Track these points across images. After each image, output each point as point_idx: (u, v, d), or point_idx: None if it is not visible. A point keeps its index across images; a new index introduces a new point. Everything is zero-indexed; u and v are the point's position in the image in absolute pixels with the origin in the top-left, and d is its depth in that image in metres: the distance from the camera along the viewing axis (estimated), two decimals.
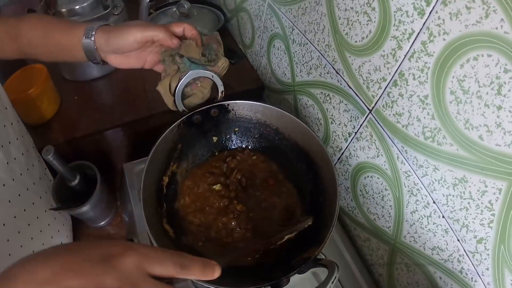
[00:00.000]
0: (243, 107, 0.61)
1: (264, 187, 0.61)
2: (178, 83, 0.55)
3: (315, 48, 0.59)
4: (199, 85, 0.57)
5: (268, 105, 0.60)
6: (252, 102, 0.61)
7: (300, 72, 0.66)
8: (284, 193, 0.61)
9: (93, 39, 0.51)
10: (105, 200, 0.74)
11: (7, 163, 0.51)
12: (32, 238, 0.57)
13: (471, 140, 0.38)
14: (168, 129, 0.58)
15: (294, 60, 0.66)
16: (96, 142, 0.76)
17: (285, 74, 0.72)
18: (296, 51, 0.65)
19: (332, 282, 0.41)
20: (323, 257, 0.49)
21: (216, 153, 0.66)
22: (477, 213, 0.40)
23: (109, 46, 0.51)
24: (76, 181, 0.68)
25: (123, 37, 0.50)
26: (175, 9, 0.92)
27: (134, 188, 0.68)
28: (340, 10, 0.51)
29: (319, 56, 0.58)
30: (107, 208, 0.76)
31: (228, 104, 0.61)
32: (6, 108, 0.54)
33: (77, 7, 0.77)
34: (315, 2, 0.55)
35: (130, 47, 0.51)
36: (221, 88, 0.58)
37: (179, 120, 0.58)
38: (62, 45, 0.53)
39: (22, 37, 0.52)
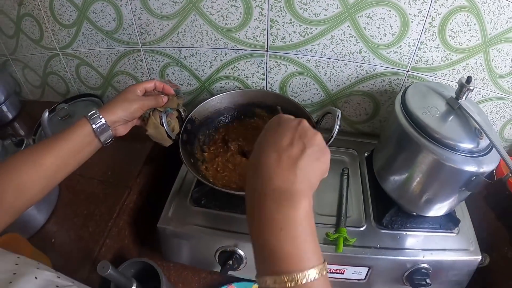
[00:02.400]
0: (200, 111, 0.95)
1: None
2: (161, 116, 0.84)
3: (207, 47, 0.99)
4: (173, 114, 0.88)
5: (212, 98, 0.97)
6: (201, 104, 0.95)
7: (203, 71, 1.04)
8: None
9: (104, 120, 0.72)
10: (168, 282, 0.88)
11: None
12: None
13: (322, 19, 0.88)
14: (182, 155, 0.85)
15: (194, 68, 1.04)
16: (110, 245, 0.92)
17: (190, 84, 1.09)
18: (191, 62, 1.02)
19: (338, 117, 0.84)
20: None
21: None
22: (350, 42, 0.92)
23: (121, 118, 0.75)
24: (134, 285, 0.81)
25: (131, 109, 0.76)
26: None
27: (188, 223, 0.90)
28: (213, 14, 0.93)
29: (213, 50, 0.99)
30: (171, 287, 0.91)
31: (191, 115, 0.93)
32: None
33: None
34: (190, 21, 0.95)
35: (137, 114, 0.79)
36: (183, 111, 0.90)
37: (180, 145, 0.87)
38: (68, 152, 0.69)
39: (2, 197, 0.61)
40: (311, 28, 0.91)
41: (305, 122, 0.53)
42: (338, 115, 0.84)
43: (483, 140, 0.76)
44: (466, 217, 0.95)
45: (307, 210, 0.45)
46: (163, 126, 0.84)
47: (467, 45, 0.90)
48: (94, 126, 0.71)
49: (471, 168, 0.72)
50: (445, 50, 0.92)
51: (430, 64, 0.95)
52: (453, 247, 0.88)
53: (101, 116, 0.72)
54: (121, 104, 0.76)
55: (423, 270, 0.87)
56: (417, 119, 0.78)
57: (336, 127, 0.83)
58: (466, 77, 0.77)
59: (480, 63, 0.94)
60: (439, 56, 0.93)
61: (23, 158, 0.65)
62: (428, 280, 0.86)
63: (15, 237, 0.80)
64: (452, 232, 0.91)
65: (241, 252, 0.87)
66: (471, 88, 0.76)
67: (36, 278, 0.45)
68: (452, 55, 0.93)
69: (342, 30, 0.90)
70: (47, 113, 0.95)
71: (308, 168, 0.47)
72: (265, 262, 0.44)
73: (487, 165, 0.73)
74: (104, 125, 0.72)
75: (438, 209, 0.87)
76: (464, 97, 0.79)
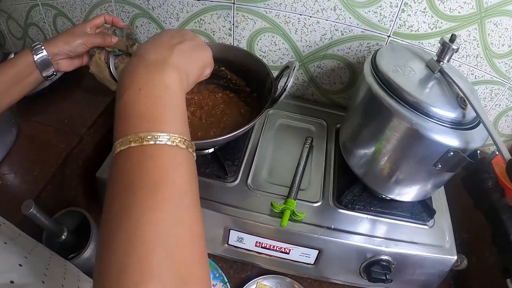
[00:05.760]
0: None
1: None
2: (108, 55, 0.72)
3: None
4: (125, 58, 0.75)
5: None
6: None
7: (170, 24, 0.92)
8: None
9: (45, 52, 0.64)
10: None
11: None
12: None
13: None
14: None
15: (161, 20, 0.91)
16: (52, 192, 0.80)
17: None
18: (159, 13, 0.90)
19: (294, 69, 0.68)
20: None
21: None
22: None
23: (63, 52, 0.66)
24: (64, 234, 0.70)
25: (74, 43, 0.67)
26: None
27: None
28: None
29: (180, 1, 0.86)
30: None
31: None
32: None
33: None
34: None
35: (80, 50, 0.68)
36: None
37: None
38: (10, 79, 0.62)
39: None
40: None
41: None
42: (294, 67, 0.68)
43: (466, 112, 0.58)
44: (444, 210, 0.76)
45: (174, 82, 0.40)
46: (108, 65, 0.72)
47: (459, 12, 0.73)
48: (35, 56, 0.65)
49: (448, 140, 0.56)
50: (433, 16, 0.74)
51: (416, 31, 0.77)
52: (424, 242, 0.70)
53: (43, 47, 0.65)
54: (65, 37, 0.68)
55: (384, 263, 0.69)
56: (387, 79, 0.61)
57: (290, 79, 0.67)
58: (449, 35, 0.60)
59: (474, 37, 0.76)
60: (425, 22, 0.75)
61: None
62: (388, 276, 0.69)
63: None
64: (425, 225, 0.73)
65: None
66: (455, 48, 0.59)
67: None
68: (441, 22, 0.75)
69: None
70: (12, 55, 0.88)
71: (186, 53, 0.44)
72: (118, 125, 0.36)
73: (469, 141, 0.56)
74: (45, 56, 0.65)
75: (409, 193, 0.70)
76: (446, 59, 0.62)
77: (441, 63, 0.62)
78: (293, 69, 0.68)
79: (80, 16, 0.98)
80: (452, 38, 0.60)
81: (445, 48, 0.60)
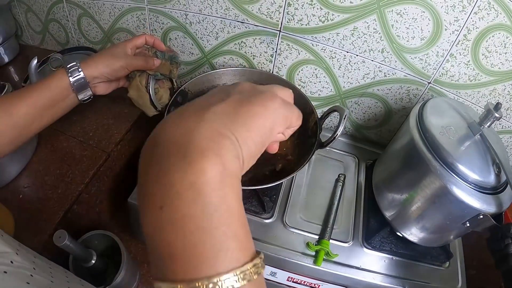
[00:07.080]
0: (195, 83, 0.80)
1: None
2: (149, 79, 0.69)
3: (215, 16, 0.82)
4: (165, 83, 0.73)
5: (211, 71, 0.81)
6: (198, 76, 0.80)
7: (207, 42, 0.88)
8: None
9: (82, 74, 0.60)
10: (131, 260, 0.76)
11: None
12: None
13: (347, 6, 0.71)
14: None
15: (198, 36, 0.88)
16: (78, 211, 0.78)
17: (192, 53, 0.93)
18: (197, 29, 0.86)
19: (344, 118, 0.69)
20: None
21: None
22: (373, 38, 0.75)
23: (103, 75, 0.63)
24: (94, 259, 0.69)
25: (115, 66, 0.63)
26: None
27: None
28: None
29: (221, 20, 0.82)
30: (134, 265, 0.78)
31: (184, 87, 0.78)
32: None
33: None
34: None
35: (120, 74, 0.65)
36: (175, 83, 0.76)
37: (165, 115, 0.72)
38: (42, 103, 0.59)
39: None
40: (333, 14, 0.74)
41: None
42: (345, 116, 0.69)
43: (499, 177, 0.62)
44: (459, 252, 0.81)
45: (214, 179, 0.25)
46: (148, 91, 0.69)
47: (499, 68, 0.75)
48: (71, 79, 0.60)
49: (480, 205, 0.60)
50: (474, 69, 0.76)
51: (456, 81, 0.78)
52: (439, 282, 0.75)
53: (80, 69, 0.61)
54: (105, 59, 0.64)
55: None
56: (432, 138, 0.64)
57: (340, 128, 0.68)
58: (495, 103, 0.63)
59: (508, 92, 0.79)
60: (466, 73, 0.77)
61: None
62: None
63: None
64: (441, 266, 0.78)
65: None
66: (498, 116, 0.62)
67: None
68: (481, 75, 0.77)
69: (367, 23, 0.73)
70: (35, 61, 0.81)
71: (228, 114, 0.28)
72: (152, 261, 0.26)
73: (499, 206, 0.61)
74: (82, 80, 0.61)
75: (433, 239, 0.74)
76: (488, 124, 0.64)
77: (482, 127, 0.64)
78: (344, 118, 0.68)
79: (108, 20, 0.92)
80: (497, 107, 0.62)
81: (489, 115, 0.63)
